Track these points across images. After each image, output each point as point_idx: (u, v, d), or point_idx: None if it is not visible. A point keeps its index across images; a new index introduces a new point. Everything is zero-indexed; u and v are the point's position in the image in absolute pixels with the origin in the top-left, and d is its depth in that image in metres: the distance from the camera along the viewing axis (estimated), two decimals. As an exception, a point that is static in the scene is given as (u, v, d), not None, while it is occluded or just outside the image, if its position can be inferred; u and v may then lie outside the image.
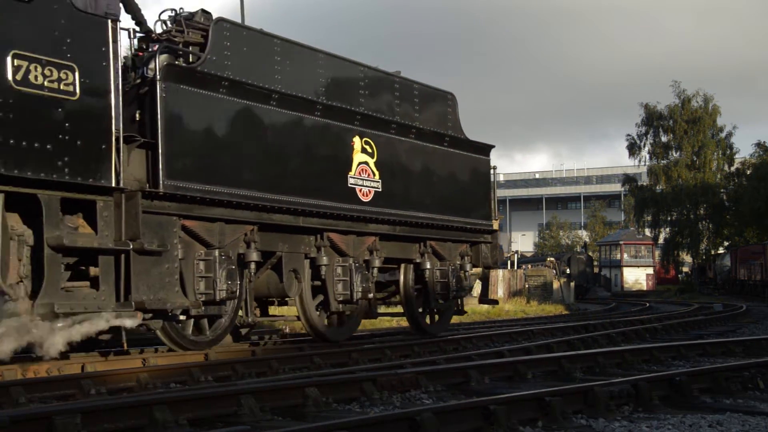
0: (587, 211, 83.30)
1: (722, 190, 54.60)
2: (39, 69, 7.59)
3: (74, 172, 7.72)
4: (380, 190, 11.31)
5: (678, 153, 54.47)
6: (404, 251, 12.22)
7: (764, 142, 53.06)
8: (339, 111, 10.82)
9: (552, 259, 46.33)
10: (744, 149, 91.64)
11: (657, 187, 54.16)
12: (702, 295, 43.81)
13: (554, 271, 37.38)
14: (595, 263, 56.55)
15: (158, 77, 8.62)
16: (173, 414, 5.39)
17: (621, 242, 57.76)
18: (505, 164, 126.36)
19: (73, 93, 7.85)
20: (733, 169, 55.87)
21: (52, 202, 7.66)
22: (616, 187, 71.53)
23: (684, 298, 40.33)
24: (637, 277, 57.02)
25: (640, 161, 55.23)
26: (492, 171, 13.80)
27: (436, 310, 13.14)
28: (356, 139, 10.98)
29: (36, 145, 7.48)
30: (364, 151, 11.05)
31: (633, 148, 54.87)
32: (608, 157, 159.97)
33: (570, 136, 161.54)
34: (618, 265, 56.71)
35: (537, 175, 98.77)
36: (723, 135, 55.34)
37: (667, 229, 55.79)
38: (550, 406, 5.70)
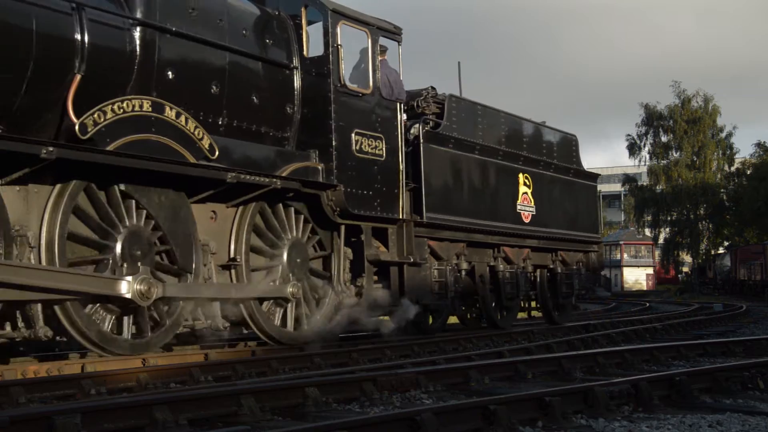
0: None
1: (722, 190, 54.64)
2: (365, 141, 11.11)
3: (382, 209, 11.24)
4: (534, 213, 14.62)
5: (678, 153, 54.50)
6: (542, 259, 15.49)
7: (764, 142, 53.14)
8: (511, 155, 14.17)
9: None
10: (744, 149, 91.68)
11: (657, 187, 54.21)
12: (702, 295, 43.81)
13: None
14: (596, 263, 56.48)
15: (421, 140, 12.00)
16: (173, 414, 5.39)
17: (621, 242, 57.75)
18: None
19: (382, 155, 11.33)
20: (733, 169, 55.89)
21: (368, 230, 11.14)
22: (616, 187, 71.62)
23: (684, 298, 40.34)
24: (637, 277, 57.03)
25: (640, 161, 55.30)
26: (599, 193, 17.68)
27: (562, 305, 16.27)
28: (520, 176, 14.33)
29: (364, 192, 10.97)
30: (525, 184, 14.40)
31: (633, 148, 54.92)
32: (608, 157, 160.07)
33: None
34: (618, 265, 56.71)
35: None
36: (723, 135, 55.36)
37: (667, 229, 55.83)
38: (550, 406, 5.70)
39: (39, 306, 7.79)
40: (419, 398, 6.76)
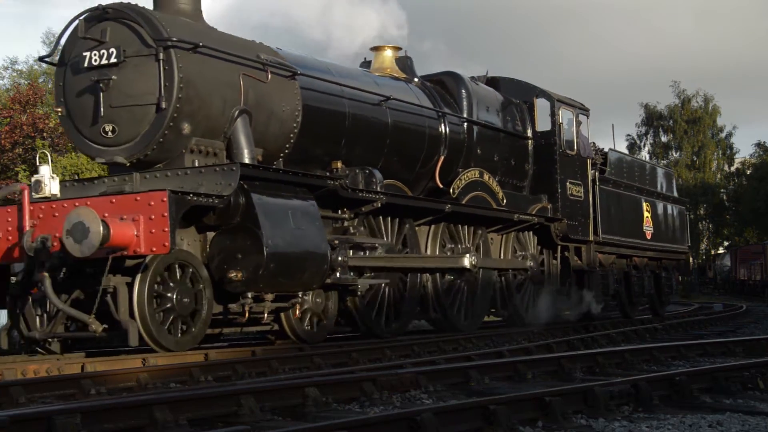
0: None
1: (722, 190, 54.66)
2: (573, 187, 15.45)
3: (582, 234, 15.50)
4: (653, 231, 18.69)
5: (678, 153, 54.53)
6: (653, 266, 19.59)
7: (764, 142, 53.20)
8: (641, 189, 18.51)
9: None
10: (744, 149, 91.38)
11: (657, 187, 54.15)
12: (702, 295, 43.81)
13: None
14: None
15: (597, 183, 16.23)
16: (173, 414, 5.39)
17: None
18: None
19: (581, 197, 15.64)
20: (733, 169, 55.91)
21: (572, 248, 15.65)
22: (616, 187, 71.42)
23: (684, 298, 40.34)
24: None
25: (640, 161, 55.25)
26: (687, 213, 22.40)
27: (663, 301, 20.40)
28: (644, 204, 18.61)
29: (574, 222, 15.32)
30: (647, 210, 18.70)
31: (633, 148, 54.89)
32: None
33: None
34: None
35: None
36: (723, 135, 55.38)
37: (668, 229, 55.74)
38: (550, 406, 5.69)
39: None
40: (419, 398, 6.76)
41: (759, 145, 53.47)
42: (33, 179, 9.11)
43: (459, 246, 13.11)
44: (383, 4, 13.27)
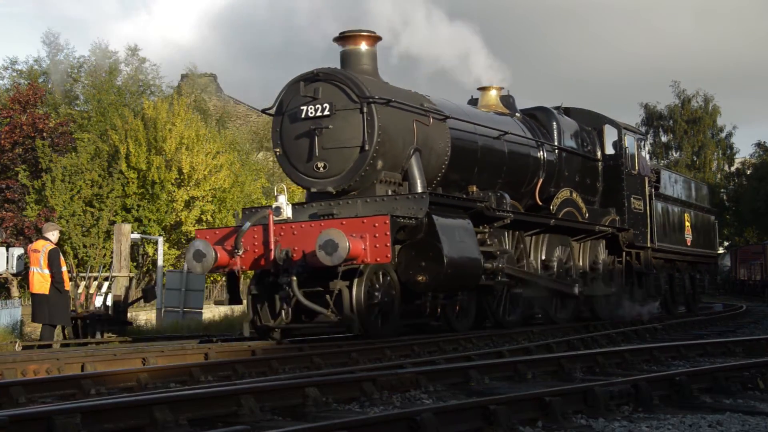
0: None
1: (722, 190, 54.63)
2: (636, 201, 17.90)
3: (642, 241, 18.25)
4: (692, 239, 21.30)
5: (678, 153, 54.54)
6: (690, 269, 22.21)
7: (764, 142, 53.22)
8: (684, 203, 21.20)
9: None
10: (744, 149, 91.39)
11: (657, 187, 54.15)
12: (703, 295, 43.75)
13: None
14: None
15: (653, 198, 18.80)
16: (173, 414, 5.39)
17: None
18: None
19: (642, 210, 18.27)
20: (733, 169, 55.89)
21: (633, 254, 18.19)
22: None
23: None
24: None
25: (640, 161, 55.22)
26: (715, 222, 25.05)
27: (695, 299, 22.68)
28: (686, 215, 21.32)
29: (637, 232, 17.80)
30: (688, 220, 21.28)
31: (633, 148, 54.82)
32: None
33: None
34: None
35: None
36: (723, 135, 55.36)
37: (668, 229, 55.73)
38: (550, 406, 5.69)
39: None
40: (419, 398, 6.76)
41: (759, 145, 53.50)
42: (274, 206, 11.66)
43: (556, 252, 15.56)
44: (494, 59, 16.51)
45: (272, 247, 11.26)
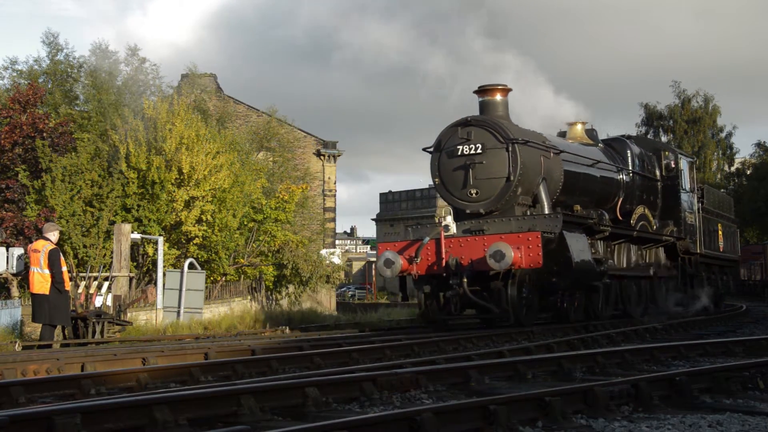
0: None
1: (722, 190, 54.55)
2: (689, 215, 21.23)
3: (694, 248, 21.18)
4: (723, 245, 24.63)
5: (678, 153, 54.36)
6: (720, 271, 25.12)
7: (764, 142, 53.20)
8: (717, 214, 24.58)
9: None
10: (744, 149, 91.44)
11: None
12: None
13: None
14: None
15: (701, 212, 22.07)
16: (173, 414, 5.39)
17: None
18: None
19: (693, 222, 21.35)
20: (733, 169, 55.86)
21: (687, 259, 21.18)
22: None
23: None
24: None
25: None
26: (737, 230, 29.05)
27: (722, 298, 25.63)
28: (719, 225, 24.38)
29: (690, 241, 20.89)
30: (720, 228, 24.36)
31: (633, 148, 54.80)
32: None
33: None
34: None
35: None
36: (723, 135, 55.31)
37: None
38: (550, 406, 5.69)
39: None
40: (419, 398, 6.76)
41: (759, 145, 53.49)
42: (443, 224, 14.67)
43: (633, 258, 18.70)
44: (584, 107, 20.11)
45: (444, 256, 14.42)
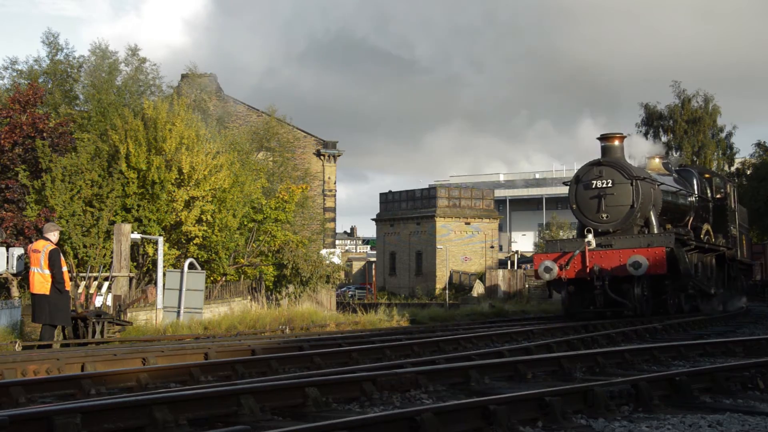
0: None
1: (722, 190, 54.48)
2: (733, 229, 26.76)
3: (738, 255, 26.83)
4: (746, 252, 28.44)
5: (678, 153, 54.42)
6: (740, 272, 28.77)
7: (764, 142, 53.10)
8: (743, 226, 27.32)
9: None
10: (744, 149, 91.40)
11: (657, 187, 54.09)
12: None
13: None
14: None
15: (739, 226, 27.93)
16: (173, 414, 5.39)
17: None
18: (505, 164, 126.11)
19: (736, 235, 27.12)
20: (733, 169, 55.81)
21: (732, 264, 26.67)
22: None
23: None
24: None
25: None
26: (750, 237, 33.20)
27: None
28: (741, 235, 27.43)
29: (735, 250, 26.36)
30: (743, 238, 26.77)
31: (633, 148, 54.74)
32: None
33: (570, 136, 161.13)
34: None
35: (537, 175, 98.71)
36: (723, 135, 55.27)
37: (668, 229, 55.69)
38: (550, 406, 5.69)
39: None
40: (419, 398, 6.76)
41: (759, 145, 53.44)
42: (587, 240, 19.38)
43: (699, 264, 22.26)
44: (652, 142, 25.23)
45: (589, 264, 18.95)
